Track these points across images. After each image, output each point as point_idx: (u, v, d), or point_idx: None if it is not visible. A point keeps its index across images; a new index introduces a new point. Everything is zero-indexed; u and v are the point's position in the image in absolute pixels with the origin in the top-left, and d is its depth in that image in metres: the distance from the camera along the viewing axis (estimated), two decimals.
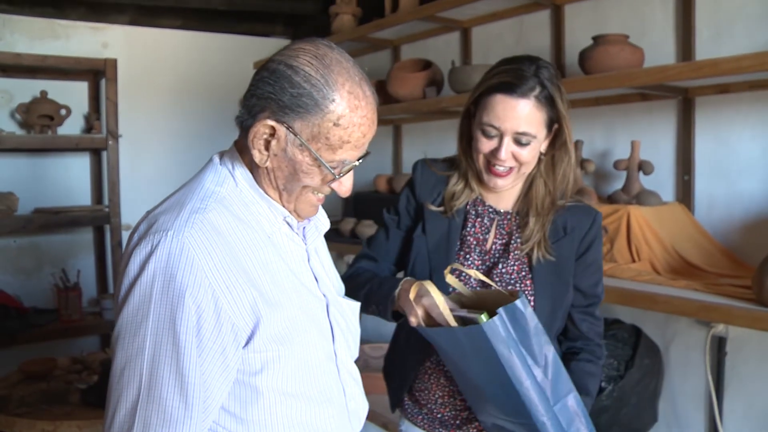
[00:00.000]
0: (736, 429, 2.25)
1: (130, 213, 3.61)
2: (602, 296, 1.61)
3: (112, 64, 3.45)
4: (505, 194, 1.58)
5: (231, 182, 1.14)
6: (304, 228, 1.25)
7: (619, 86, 2.16)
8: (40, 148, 3.59)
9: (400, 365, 1.68)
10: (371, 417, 2.82)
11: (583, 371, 1.56)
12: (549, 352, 1.36)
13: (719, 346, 2.25)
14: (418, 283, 1.35)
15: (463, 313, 1.33)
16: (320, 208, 1.26)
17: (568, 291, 1.55)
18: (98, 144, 3.49)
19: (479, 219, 1.58)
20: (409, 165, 3.60)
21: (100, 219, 3.57)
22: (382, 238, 1.69)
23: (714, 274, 2.09)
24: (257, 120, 1.08)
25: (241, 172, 1.15)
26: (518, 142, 1.44)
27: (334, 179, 1.12)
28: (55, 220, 3.44)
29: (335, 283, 1.33)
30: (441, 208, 1.59)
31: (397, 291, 1.45)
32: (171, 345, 0.99)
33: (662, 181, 2.39)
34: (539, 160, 1.52)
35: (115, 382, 1.01)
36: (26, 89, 3.56)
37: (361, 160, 1.14)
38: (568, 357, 1.59)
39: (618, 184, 2.43)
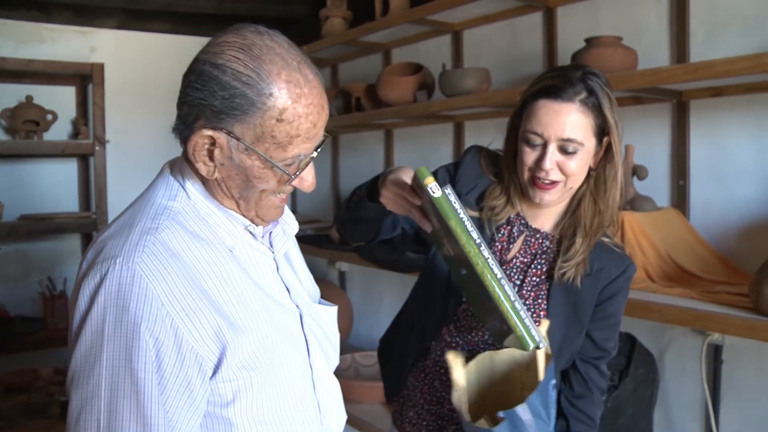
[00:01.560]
0: None
1: None
2: (613, 353, 1.54)
3: (99, 68, 3.40)
4: (544, 213, 1.51)
5: (183, 195, 1.06)
6: (270, 233, 1.17)
7: (613, 89, 2.11)
8: (25, 154, 3.53)
9: (398, 353, 1.62)
10: (362, 426, 2.78)
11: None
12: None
13: (715, 354, 2.21)
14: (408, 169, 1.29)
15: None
16: (287, 210, 1.19)
17: (581, 333, 1.48)
18: (85, 150, 3.44)
19: (508, 227, 1.51)
20: None
21: (87, 226, 3.51)
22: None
23: (710, 281, 2.05)
24: (193, 131, 0.99)
25: (192, 184, 1.07)
26: (564, 150, 1.36)
27: (290, 179, 1.03)
28: (41, 226, 3.39)
29: (310, 289, 1.26)
30: (476, 213, 1.50)
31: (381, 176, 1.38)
32: (129, 384, 0.91)
33: (657, 186, 2.35)
34: (588, 176, 1.44)
35: (72, 428, 0.93)
36: (11, 94, 3.51)
37: (318, 150, 1.05)
38: (564, 416, 1.54)
39: None
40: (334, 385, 1.23)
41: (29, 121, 3.41)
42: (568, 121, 1.34)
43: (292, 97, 0.97)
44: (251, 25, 1.01)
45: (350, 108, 3.35)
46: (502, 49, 2.93)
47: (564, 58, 2.57)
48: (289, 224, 1.22)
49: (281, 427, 1.06)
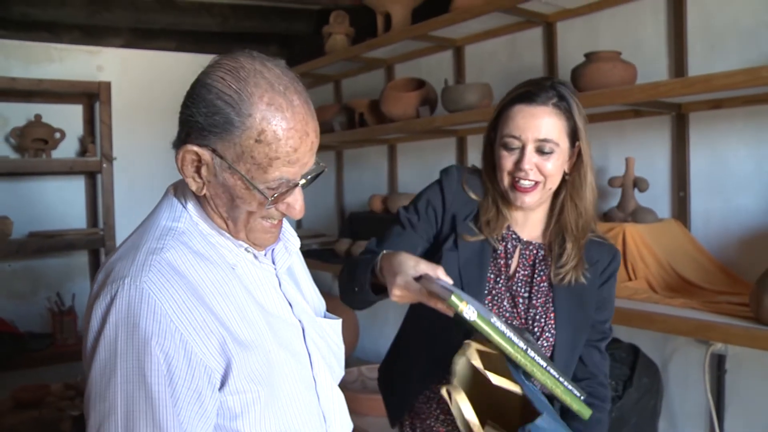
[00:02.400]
0: None
1: (124, 236, 3.58)
2: (610, 335, 1.61)
3: (106, 87, 3.46)
4: (529, 222, 1.57)
5: (187, 216, 1.09)
6: (273, 250, 1.19)
7: (612, 103, 2.15)
8: (34, 172, 3.58)
9: (402, 382, 1.64)
10: None
11: (591, 421, 1.50)
12: None
13: (719, 363, 2.22)
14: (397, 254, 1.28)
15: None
16: (288, 226, 1.21)
17: (588, 322, 1.54)
18: (92, 167, 3.49)
19: (504, 243, 1.56)
20: (404, 184, 3.59)
21: (95, 242, 3.56)
22: (394, 236, 1.59)
23: (711, 291, 2.07)
24: (180, 146, 1.03)
25: (193, 204, 1.10)
26: (541, 150, 1.44)
27: (267, 201, 1.04)
28: (50, 243, 3.43)
29: (315, 303, 1.29)
30: (480, 237, 1.53)
31: (378, 261, 1.36)
32: (144, 398, 0.94)
33: (658, 197, 2.38)
34: (564, 181, 1.51)
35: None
36: (21, 113, 3.57)
37: (309, 178, 1.06)
38: None
39: (613, 202, 2.41)
40: (339, 397, 1.25)
41: (38, 139, 3.46)
42: (543, 122, 1.43)
43: (272, 120, 0.99)
44: (249, 51, 1.04)
45: (354, 123, 3.39)
46: (503, 63, 2.97)
47: (564, 72, 2.60)
48: (291, 240, 1.25)
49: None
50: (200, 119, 1.00)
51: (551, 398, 1.30)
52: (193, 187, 1.05)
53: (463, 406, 1.14)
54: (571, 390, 1.24)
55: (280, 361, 1.08)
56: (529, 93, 1.45)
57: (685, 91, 1.95)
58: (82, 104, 3.78)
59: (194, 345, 0.97)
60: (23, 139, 3.45)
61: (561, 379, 1.23)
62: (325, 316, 1.29)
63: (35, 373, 3.24)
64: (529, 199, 1.48)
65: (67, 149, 3.69)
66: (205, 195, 1.07)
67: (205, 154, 1.02)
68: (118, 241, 3.49)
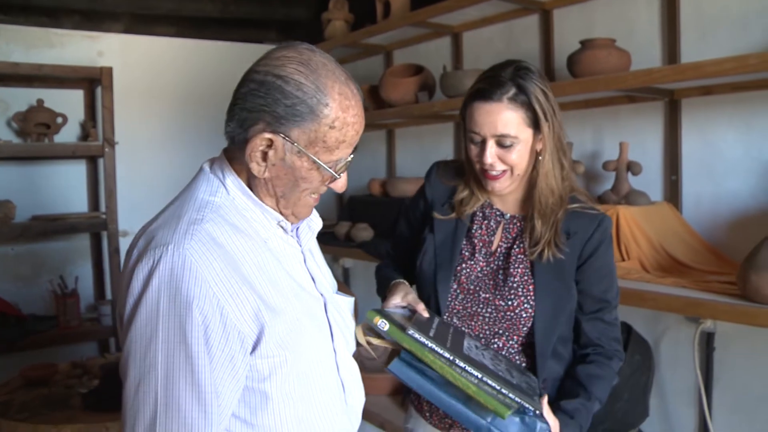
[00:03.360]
0: (724, 423, 2.30)
1: (126, 219, 3.65)
2: (615, 301, 1.61)
3: (108, 72, 3.49)
4: (509, 198, 1.62)
5: (223, 191, 1.15)
6: (297, 229, 1.27)
7: (607, 89, 2.21)
8: (37, 156, 3.61)
9: None
10: (369, 417, 2.86)
11: (585, 373, 1.56)
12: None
13: (708, 341, 2.30)
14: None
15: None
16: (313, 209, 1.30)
17: (569, 293, 1.56)
18: (95, 151, 3.53)
19: (486, 221, 1.63)
20: (402, 168, 3.65)
21: (97, 226, 3.61)
22: (395, 239, 1.82)
23: (701, 271, 2.14)
24: (252, 134, 1.09)
25: (232, 180, 1.16)
26: (501, 144, 1.49)
27: (334, 179, 1.16)
28: (53, 227, 3.48)
29: (330, 281, 1.36)
30: (452, 215, 1.64)
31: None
32: (183, 356, 1.00)
33: (650, 181, 2.44)
34: (536, 161, 1.55)
35: (131, 400, 1.02)
36: (22, 98, 3.59)
37: (352, 155, 1.17)
38: (576, 362, 1.60)
39: (607, 185, 2.48)
40: (355, 368, 1.33)
41: (40, 124, 3.49)
42: (499, 119, 1.47)
43: (342, 108, 1.10)
44: (303, 43, 1.13)
45: None
46: (501, 50, 3.02)
47: (560, 59, 2.66)
48: (314, 221, 1.33)
49: (310, 403, 1.16)
50: (279, 109, 1.07)
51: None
52: (255, 170, 1.12)
53: (358, 334, 1.42)
54: (487, 391, 1.32)
55: (306, 330, 1.16)
56: (484, 90, 1.49)
57: (677, 77, 2.01)
58: (83, 89, 3.81)
59: (230, 311, 1.04)
60: (26, 124, 3.48)
61: (480, 380, 1.32)
62: (338, 294, 1.36)
63: (40, 355, 3.29)
64: (499, 185, 1.54)
65: (68, 134, 3.71)
66: (265, 177, 1.14)
67: (278, 140, 1.09)
68: (120, 223, 3.56)
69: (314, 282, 1.26)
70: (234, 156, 1.17)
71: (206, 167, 1.20)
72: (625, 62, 2.27)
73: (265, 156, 1.11)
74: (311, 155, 1.10)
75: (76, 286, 3.60)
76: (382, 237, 3.26)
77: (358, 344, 1.40)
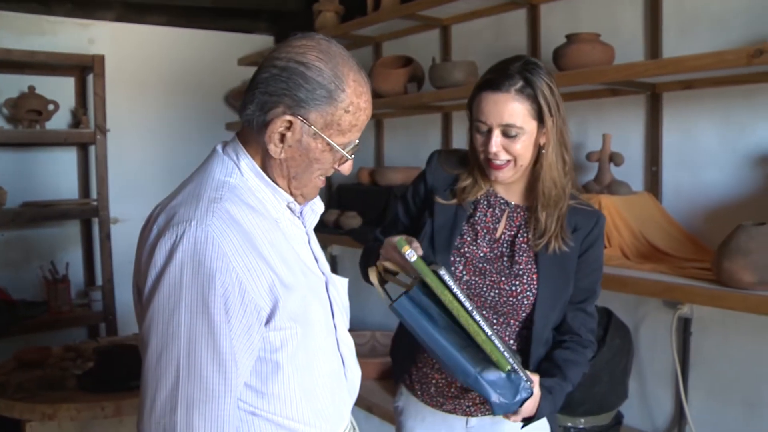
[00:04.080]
0: (700, 404, 2.39)
1: (116, 206, 3.69)
2: (598, 292, 1.71)
3: (100, 60, 3.51)
4: (514, 187, 1.68)
5: (237, 172, 1.22)
6: (302, 211, 1.34)
7: (591, 82, 2.28)
8: (29, 143, 3.64)
9: (407, 345, 1.77)
10: (357, 401, 2.93)
11: (562, 358, 1.64)
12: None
13: (685, 327, 2.39)
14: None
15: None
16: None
17: (569, 285, 1.65)
18: (87, 138, 3.56)
19: (491, 209, 1.68)
20: (391, 158, 3.71)
21: (88, 212, 3.64)
22: (390, 224, 1.83)
23: (679, 258, 2.23)
24: (272, 116, 1.16)
25: (246, 162, 1.23)
26: (507, 134, 1.55)
27: (347, 159, 1.24)
28: (44, 213, 3.51)
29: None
30: (453, 201, 1.69)
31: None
32: (206, 325, 1.06)
33: (632, 171, 2.52)
34: (540, 154, 1.61)
35: (152, 367, 1.07)
36: (12, 84, 3.60)
37: (358, 139, 1.26)
38: (553, 347, 1.69)
39: (590, 175, 2.56)
40: (352, 344, 1.41)
41: (32, 110, 3.51)
42: (506, 109, 1.53)
43: (356, 94, 1.19)
44: (318, 34, 1.22)
45: None
46: (489, 43, 3.09)
47: (546, 52, 2.73)
48: (317, 204, 1.40)
49: (315, 375, 1.24)
50: (300, 93, 1.15)
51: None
52: (273, 151, 1.19)
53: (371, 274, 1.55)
54: (495, 344, 1.40)
55: (311, 306, 1.23)
56: (493, 80, 1.55)
57: (658, 71, 2.09)
58: (73, 77, 3.83)
59: (248, 284, 1.10)
60: (17, 111, 3.49)
61: (490, 334, 1.40)
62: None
63: (30, 340, 3.31)
64: (502, 175, 1.60)
65: (58, 121, 3.73)
66: (281, 158, 1.21)
67: (297, 122, 1.16)
68: (111, 210, 3.59)
69: (317, 262, 1.33)
70: (248, 139, 1.23)
71: (219, 149, 1.27)
72: (609, 56, 2.35)
73: (282, 138, 1.18)
74: (326, 137, 1.18)
75: (67, 272, 3.64)
76: (371, 225, 3.33)
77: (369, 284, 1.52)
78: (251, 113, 1.19)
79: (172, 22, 4.09)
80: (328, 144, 1.19)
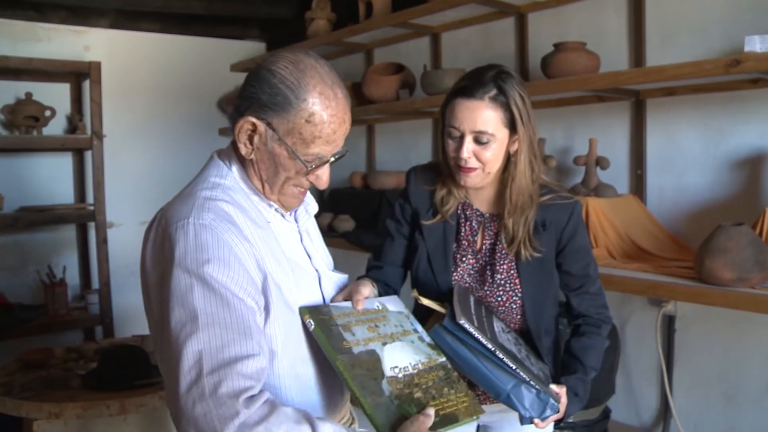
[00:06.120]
0: (684, 398, 2.48)
1: (112, 211, 3.74)
2: (594, 274, 1.74)
3: (97, 66, 3.57)
4: (485, 197, 1.71)
5: (231, 175, 1.30)
6: (295, 212, 1.41)
7: (578, 89, 2.37)
8: (26, 148, 3.68)
9: None
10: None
11: (581, 347, 1.70)
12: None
13: (669, 324, 2.48)
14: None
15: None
16: (308, 193, 1.41)
17: (552, 280, 1.70)
18: (83, 144, 3.60)
19: (468, 222, 1.72)
20: (382, 162, 3.79)
21: (85, 216, 3.69)
22: (387, 246, 1.82)
23: (663, 257, 2.32)
24: (242, 117, 1.24)
25: (237, 168, 1.31)
26: (478, 141, 1.57)
27: (307, 171, 1.26)
28: (41, 217, 3.55)
29: (325, 259, 1.49)
30: (437, 218, 1.71)
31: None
32: (220, 304, 1.13)
33: (617, 175, 2.62)
34: (509, 162, 1.64)
35: (174, 345, 1.11)
36: (8, 91, 3.65)
37: (336, 157, 1.29)
38: (571, 335, 1.75)
39: (577, 178, 2.65)
40: None
41: (29, 116, 3.55)
42: (479, 116, 1.56)
43: (320, 106, 1.22)
44: (305, 49, 1.27)
45: None
46: (478, 50, 3.17)
47: (534, 60, 2.82)
48: (310, 205, 1.46)
49: (304, 366, 1.30)
50: (263, 97, 1.21)
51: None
52: (243, 151, 1.26)
53: (424, 301, 1.53)
54: (520, 376, 1.46)
55: (300, 301, 1.30)
56: (467, 87, 1.57)
57: (641, 79, 2.18)
58: (69, 83, 3.87)
59: (246, 272, 1.18)
60: (14, 116, 3.53)
61: (515, 368, 1.45)
62: (333, 272, 1.50)
63: (29, 342, 3.32)
64: (471, 180, 1.63)
65: (54, 127, 3.76)
66: (251, 159, 1.28)
67: (261, 126, 1.23)
68: (108, 215, 3.64)
69: (310, 259, 1.40)
70: (237, 146, 1.30)
71: (215, 156, 1.35)
72: (595, 64, 2.44)
73: (251, 139, 1.25)
74: (289, 144, 1.23)
75: (64, 276, 3.68)
76: (363, 228, 3.41)
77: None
78: (232, 115, 1.28)
79: (165, 29, 4.15)
80: (293, 152, 1.23)
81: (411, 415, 1.23)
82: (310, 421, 1.11)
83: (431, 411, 1.23)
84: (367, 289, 1.49)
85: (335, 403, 1.40)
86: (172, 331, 1.13)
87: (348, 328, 1.34)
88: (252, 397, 1.08)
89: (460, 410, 1.33)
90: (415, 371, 1.34)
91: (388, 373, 1.30)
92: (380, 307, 1.47)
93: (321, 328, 1.29)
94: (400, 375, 1.31)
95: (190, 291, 1.13)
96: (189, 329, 1.11)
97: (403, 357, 1.35)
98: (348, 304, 1.41)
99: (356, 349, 1.30)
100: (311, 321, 1.29)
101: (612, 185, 2.52)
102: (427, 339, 1.45)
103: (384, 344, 1.35)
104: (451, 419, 1.29)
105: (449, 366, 1.42)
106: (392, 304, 1.51)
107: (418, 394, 1.29)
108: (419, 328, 1.47)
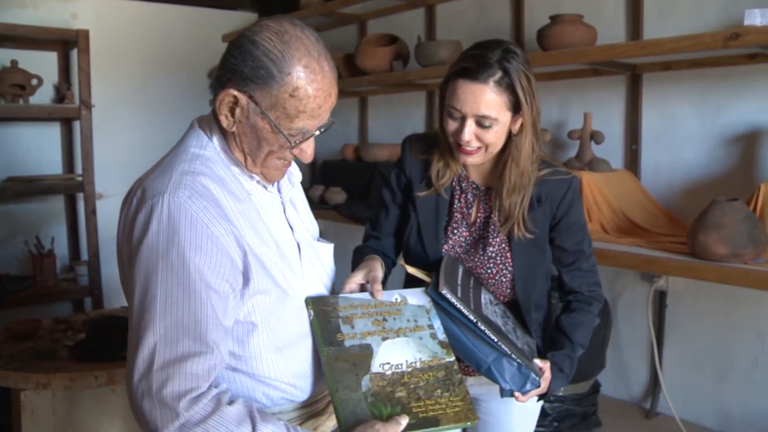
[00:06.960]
0: (673, 373, 2.50)
1: (101, 181, 3.70)
2: (589, 250, 1.72)
3: (85, 35, 3.49)
4: (482, 170, 1.68)
5: (212, 146, 1.26)
6: (279, 182, 1.37)
7: (574, 62, 2.35)
8: (12, 117, 3.62)
9: None
10: None
11: (570, 323, 1.68)
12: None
13: (660, 300, 2.49)
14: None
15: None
16: (292, 162, 1.37)
17: (544, 255, 1.68)
18: (71, 114, 3.54)
19: (464, 195, 1.70)
20: (374, 134, 3.75)
21: (73, 187, 3.64)
22: (382, 216, 1.80)
23: (656, 233, 2.32)
24: (223, 89, 1.19)
25: (218, 138, 1.27)
26: (480, 124, 1.53)
27: (290, 145, 1.22)
28: (29, 188, 3.50)
29: (310, 229, 1.46)
30: (430, 190, 1.69)
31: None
32: (182, 291, 1.10)
33: (612, 149, 2.60)
34: (510, 140, 1.60)
35: (134, 328, 1.10)
36: None
37: (321, 130, 1.25)
38: (561, 311, 1.73)
39: (572, 152, 2.63)
40: None
41: (15, 85, 3.49)
42: (483, 100, 1.51)
43: (305, 80, 1.17)
44: (290, 18, 1.21)
45: None
46: (473, 22, 3.13)
47: (530, 33, 2.78)
48: (294, 174, 1.43)
49: (287, 337, 1.28)
50: (245, 69, 1.16)
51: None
52: (224, 123, 1.22)
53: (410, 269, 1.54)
54: (502, 349, 1.44)
55: (282, 274, 1.27)
56: (471, 69, 1.52)
57: (638, 52, 2.15)
58: (56, 51, 3.80)
59: (222, 251, 1.15)
60: (0, 85, 3.47)
61: (496, 341, 1.44)
62: (318, 241, 1.48)
63: (17, 313, 3.29)
64: (471, 159, 1.59)
65: (41, 96, 3.70)
66: (233, 132, 1.24)
67: (243, 99, 1.18)
68: (97, 186, 3.60)
69: (292, 230, 1.36)
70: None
71: (195, 124, 1.30)
72: (592, 37, 2.41)
73: (233, 111, 1.21)
74: (272, 119, 1.19)
75: (53, 247, 3.65)
76: (355, 200, 3.38)
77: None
78: (212, 84, 1.24)
79: None
80: (276, 126, 1.19)
81: (382, 415, 1.22)
82: (252, 420, 1.12)
83: (403, 420, 1.22)
84: (380, 272, 1.50)
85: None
86: (134, 314, 1.12)
87: (349, 320, 1.33)
88: (196, 398, 1.09)
89: (447, 415, 1.29)
90: (409, 369, 1.32)
91: (375, 369, 1.29)
92: (398, 300, 1.44)
93: (318, 319, 1.29)
94: (388, 372, 1.30)
95: (155, 273, 1.11)
96: (147, 318, 1.10)
97: (400, 354, 1.33)
98: (362, 295, 1.41)
99: (348, 342, 1.29)
100: (311, 311, 1.30)
101: (606, 160, 2.50)
102: (441, 337, 1.42)
103: (384, 339, 1.34)
104: (430, 422, 1.27)
105: (455, 367, 1.38)
106: (416, 297, 1.48)
107: (400, 394, 1.28)
108: (437, 324, 1.44)
